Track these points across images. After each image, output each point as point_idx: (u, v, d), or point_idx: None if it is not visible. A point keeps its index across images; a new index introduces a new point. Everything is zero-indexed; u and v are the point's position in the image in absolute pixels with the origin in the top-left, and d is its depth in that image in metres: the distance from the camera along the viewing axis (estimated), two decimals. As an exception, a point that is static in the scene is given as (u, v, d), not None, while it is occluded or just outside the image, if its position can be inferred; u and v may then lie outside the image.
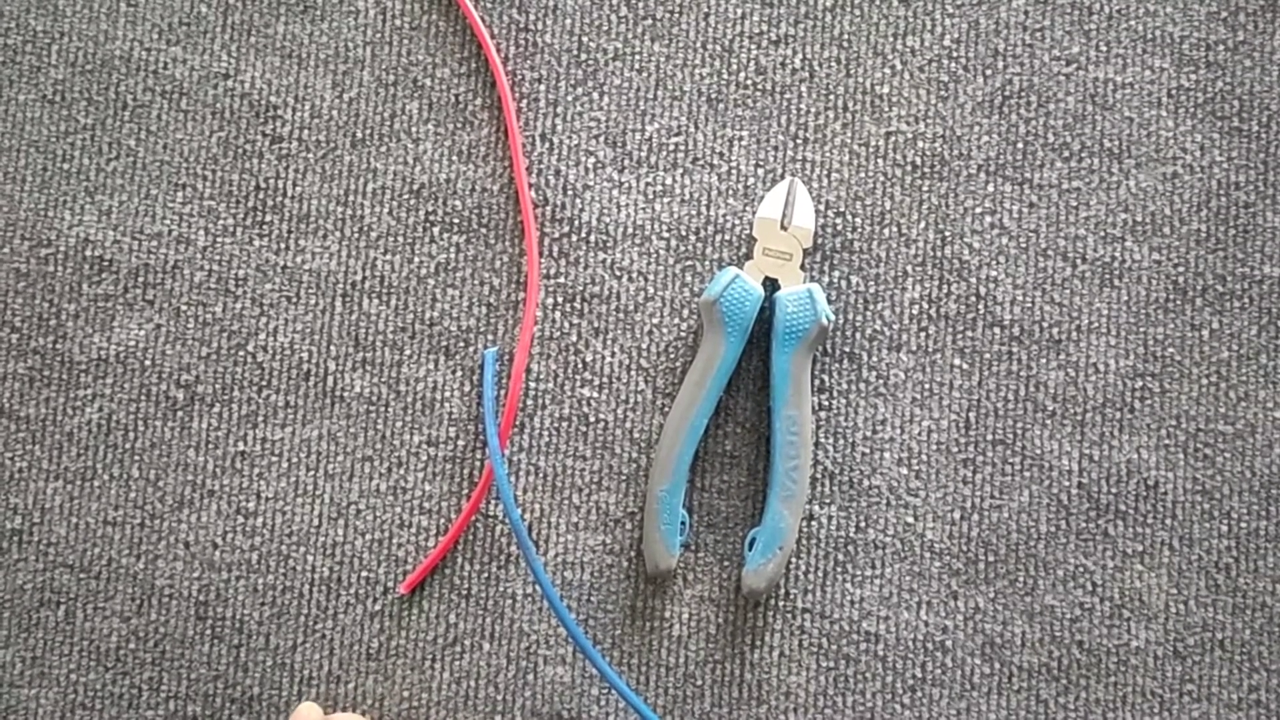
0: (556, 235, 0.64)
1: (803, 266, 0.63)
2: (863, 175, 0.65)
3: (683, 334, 0.64)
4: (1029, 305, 0.64)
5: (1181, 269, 0.64)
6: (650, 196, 0.65)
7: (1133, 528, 0.63)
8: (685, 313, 0.64)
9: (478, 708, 0.62)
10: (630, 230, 0.64)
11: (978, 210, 0.64)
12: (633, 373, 0.64)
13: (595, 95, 0.65)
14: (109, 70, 0.65)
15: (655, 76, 0.65)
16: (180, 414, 0.63)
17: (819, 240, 0.64)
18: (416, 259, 0.64)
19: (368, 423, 0.63)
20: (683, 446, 0.61)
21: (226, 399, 0.64)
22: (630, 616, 0.62)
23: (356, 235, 0.64)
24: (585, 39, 0.65)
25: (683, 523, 0.62)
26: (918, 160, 0.65)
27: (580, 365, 0.63)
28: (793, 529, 0.61)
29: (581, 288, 0.64)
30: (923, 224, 0.64)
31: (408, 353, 0.64)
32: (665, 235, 0.64)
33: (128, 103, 0.65)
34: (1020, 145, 0.65)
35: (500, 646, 0.62)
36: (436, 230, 0.64)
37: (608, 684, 0.61)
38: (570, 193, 0.65)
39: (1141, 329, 0.64)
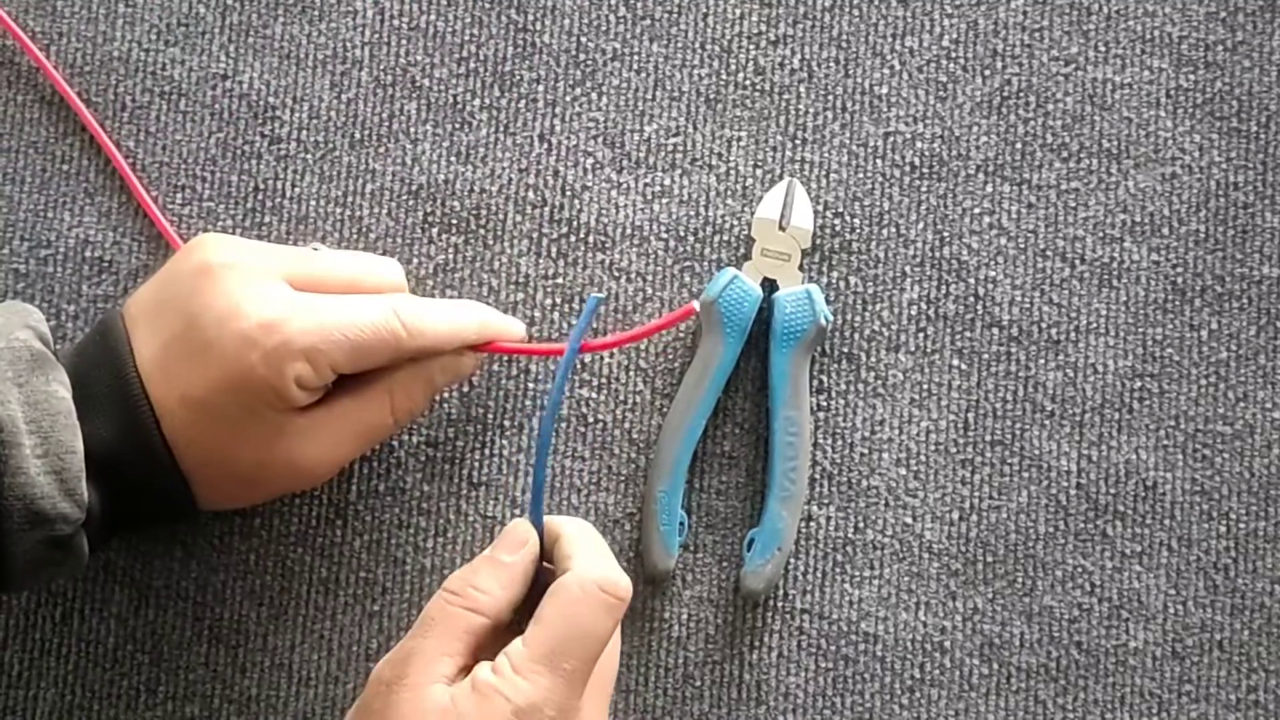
0: (555, 236, 0.64)
1: (801, 267, 0.63)
2: (861, 176, 0.64)
3: (681, 335, 0.64)
4: (1027, 306, 0.64)
5: (1180, 269, 0.64)
6: (648, 197, 0.64)
7: (1131, 528, 0.62)
8: (684, 313, 0.64)
9: (476, 708, 0.62)
10: (628, 231, 0.64)
11: (976, 211, 0.64)
12: (631, 373, 0.64)
13: (593, 96, 0.65)
14: (107, 71, 0.65)
15: (654, 77, 0.65)
16: (179, 415, 0.63)
17: (817, 241, 0.64)
18: (415, 260, 0.64)
19: (366, 423, 0.63)
20: (681, 447, 0.61)
21: (225, 400, 0.63)
22: (629, 617, 0.62)
23: (355, 236, 0.64)
24: (583, 39, 0.65)
25: (681, 523, 0.62)
26: (916, 161, 0.64)
27: (579, 366, 0.63)
28: (791, 530, 0.61)
29: (580, 288, 0.64)
30: (921, 224, 0.64)
31: (406, 353, 0.64)
32: (664, 236, 0.64)
33: (126, 104, 0.65)
34: (1019, 145, 0.65)
35: (498, 647, 0.62)
36: (435, 231, 0.64)
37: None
38: (568, 193, 0.65)
39: (1140, 329, 0.64)
